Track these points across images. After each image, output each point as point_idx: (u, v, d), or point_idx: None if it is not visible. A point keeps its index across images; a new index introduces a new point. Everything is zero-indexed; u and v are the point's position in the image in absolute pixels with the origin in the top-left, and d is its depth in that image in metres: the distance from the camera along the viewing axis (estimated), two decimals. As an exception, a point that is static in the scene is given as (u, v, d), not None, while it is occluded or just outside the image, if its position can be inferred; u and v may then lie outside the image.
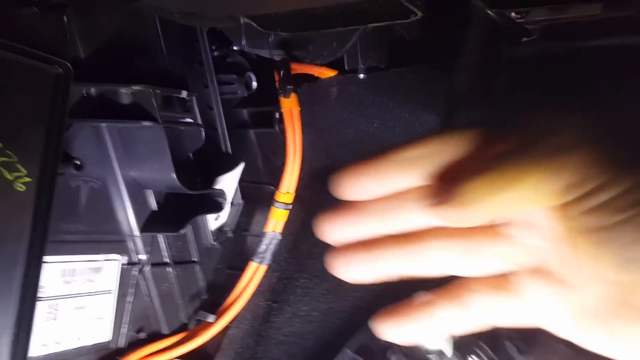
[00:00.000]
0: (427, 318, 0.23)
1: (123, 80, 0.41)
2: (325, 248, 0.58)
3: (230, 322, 0.53)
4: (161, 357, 0.49)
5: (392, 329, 0.24)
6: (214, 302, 0.53)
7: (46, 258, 0.37)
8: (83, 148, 0.42)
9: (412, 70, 0.55)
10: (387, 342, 0.44)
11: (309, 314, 0.53)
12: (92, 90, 0.40)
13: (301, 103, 0.56)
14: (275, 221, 0.49)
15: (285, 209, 0.47)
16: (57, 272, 0.42)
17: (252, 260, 0.50)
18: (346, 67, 0.55)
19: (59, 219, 0.42)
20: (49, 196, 0.36)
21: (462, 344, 0.40)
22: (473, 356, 0.40)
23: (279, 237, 0.49)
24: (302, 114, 0.55)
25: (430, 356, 0.40)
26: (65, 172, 0.41)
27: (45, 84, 0.36)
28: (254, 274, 0.51)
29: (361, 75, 0.56)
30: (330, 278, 0.57)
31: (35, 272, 0.36)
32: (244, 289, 0.51)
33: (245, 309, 0.53)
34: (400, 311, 0.24)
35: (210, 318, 0.53)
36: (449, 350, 0.39)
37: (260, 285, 0.53)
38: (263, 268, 0.51)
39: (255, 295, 0.53)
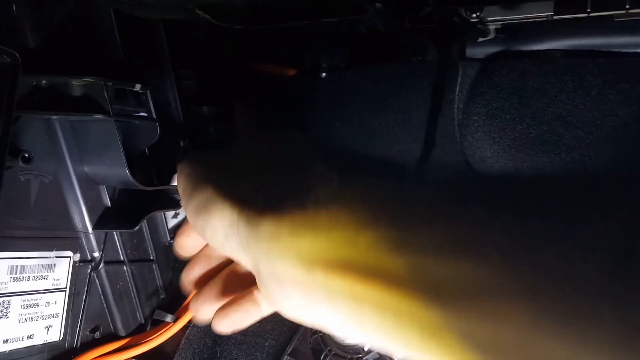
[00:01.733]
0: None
1: (75, 72, 0.40)
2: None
3: (188, 322, 0.52)
4: (117, 357, 0.48)
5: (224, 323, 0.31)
6: (172, 301, 0.53)
7: (-7, 254, 0.36)
8: (33, 141, 0.41)
9: (374, 69, 0.56)
10: (322, 346, 0.45)
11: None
12: (43, 81, 0.39)
13: (261, 105, 0.56)
14: None
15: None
16: (4, 268, 0.41)
17: None
18: (307, 66, 0.56)
19: (7, 214, 0.41)
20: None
21: None
22: None
23: None
24: (262, 115, 0.55)
25: (359, 354, 0.41)
26: (13, 165, 0.40)
27: (-8, 73, 0.36)
28: None
29: (323, 74, 0.56)
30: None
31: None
32: None
33: (203, 308, 0.52)
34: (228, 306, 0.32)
35: (169, 318, 0.52)
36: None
37: (219, 284, 0.53)
38: None
39: (214, 294, 0.53)
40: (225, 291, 0.33)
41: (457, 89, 0.52)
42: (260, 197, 0.27)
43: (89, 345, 0.47)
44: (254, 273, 0.27)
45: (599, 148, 0.48)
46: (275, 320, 0.52)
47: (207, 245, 0.35)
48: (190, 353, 0.52)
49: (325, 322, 0.23)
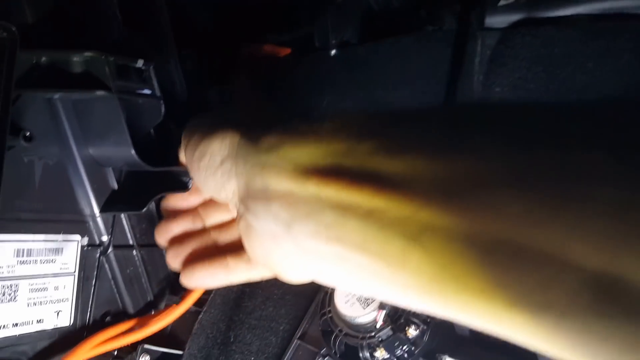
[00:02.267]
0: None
1: (74, 48, 0.39)
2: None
3: (202, 307, 0.51)
4: (128, 338, 0.46)
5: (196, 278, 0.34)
6: (183, 287, 0.51)
7: (-1, 236, 0.35)
8: (34, 122, 0.40)
9: (387, 43, 0.53)
10: (329, 326, 0.43)
11: (282, 297, 0.51)
12: (43, 58, 0.38)
13: (264, 85, 0.54)
14: None
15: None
16: (10, 251, 0.41)
17: None
18: (316, 44, 0.54)
19: (11, 195, 0.40)
20: (-4, 169, 0.34)
21: (397, 316, 0.40)
22: (412, 326, 0.39)
23: None
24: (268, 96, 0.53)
25: (369, 333, 0.39)
26: (15, 144, 0.39)
27: (-12, 49, 0.35)
28: None
29: (332, 52, 0.54)
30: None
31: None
32: None
33: (216, 293, 0.51)
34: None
35: (181, 304, 0.51)
36: (379, 322, 0.40)
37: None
38: None
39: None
40: (201, 250, 0.36)
41: (477, 60, 0.49)
42: (264, 116, 0.28)
43: (99, 329, 0.46)
44: (237, 208, 0.29)
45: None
46: (290, 305, 0.51)
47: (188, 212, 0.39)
48: (204, 338, 0.51)
49: (304, 246, 0.23)
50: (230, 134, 0.28)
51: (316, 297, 0.49)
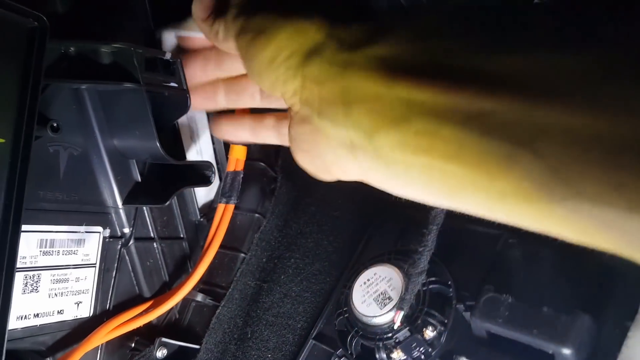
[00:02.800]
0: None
1: (103, 39, 0.39)
2: (317, 227, 0.56)
3: (220, 302, 0.51)
4: (144, 319, 0.46)
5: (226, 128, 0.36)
6: (201, 280, 0.51)
7: (23, 226, 0.35)
8: (61, 111, 0.40)
9: None
10: (345, 327, 0.43)
11: (300, 295, 0.51)
12: (71, 48, 0.38)
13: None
14: (236, 159, 0.47)
15: (243, 145, 0.46)
16: (34, 241, 0.41)
17: (219, 202, 0.49)
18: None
19: (36, 186, 0.40)
20: (24, 159, 0.34)
21: (414, 318, 0.39)
22: (429, 327, 0.39)
23: (241, 174, 0.47)
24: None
25: (386, 334, 0.39)
26: (42, 135, 0.39)
27: (19, 38, 0.34)
28: (223, 215, 0.49)
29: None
30: (323, 258, 0.55)
31: (13, 239, 0.34)
32: (216, 232, 0.49)
33: (234, 288, 0.51)
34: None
35: (199, 297, 0.51)
36: (397, 323, 0.39)
37: (250, 264, 0.51)
38: (231, 207, 0.49)
39: (244, 274, 0.51)
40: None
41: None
42: (346, 5, 0.24)
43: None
44: (298, 109, 0.25)
45: None
46: (307, 302, 0.50)
47: None
48: (221, 333, 0.51)
49: (387, 157, 0.21)
50: (306, 24, 0.24)
51: (332, 296, 0.49)
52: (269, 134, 0.37)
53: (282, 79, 0.25)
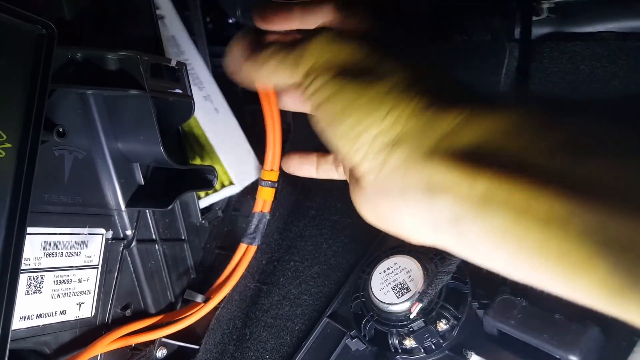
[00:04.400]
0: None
1: (109, 46, 0.39)
2: (316, 230, 0.57)
3: (219, 304, 0.52)
4: (147, 336, 0.47)
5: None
6: (202, 281, 0.52)
7: (27, 229, 0.35)
8: (67, 116, 0.41)
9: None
10: (361, 310, 0.43)
11: (298, 297, 0.52)
12: (78, 54, 0.38)
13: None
14: (263, 200, 0.47)
15: (271, 187, 0.46)
16: (38, 243, 0.41)
17: (242, 241, 0.49)
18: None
19: (41, 189, 0.41)
20: (30, 163, 0.34)
21: (429, 310, 0.40)
22: (442, 320, 0.40)
23: (268, 216, 0.48)
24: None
25: (401, 322, 0.40)
26: (48, 139, 0.39)
27: (28, 44, 0.35)
28: (244, 255, 0.50)
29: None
30: (322, 261, 0.56)
31: (18, 242, 0.34)
32: (234, 270, 0.50)
33: (234, 290, 0.52)
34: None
35: (199, 298, 0.52)
36: (414, 314, 0.40)
37: (250, 267, 0.52)
38: (253, 248, 0.49)
39: (244, 276, 0.52)
40: None
41: (504, 70, 0.50)
42: (442, 87, 0.23)
43: (119, 322, 0.47)
44: (373, 182, 0.25)
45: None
46: (305, 305, 0.51)
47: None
48: (220, 334, 0.51)
49: (469, 240, 0.21)
50: (401, 107, 0.23)
51: (349, 278, 0.49)
52: (331, 170, 0.38)
53: (361, 154, 0.25)
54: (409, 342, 0.41)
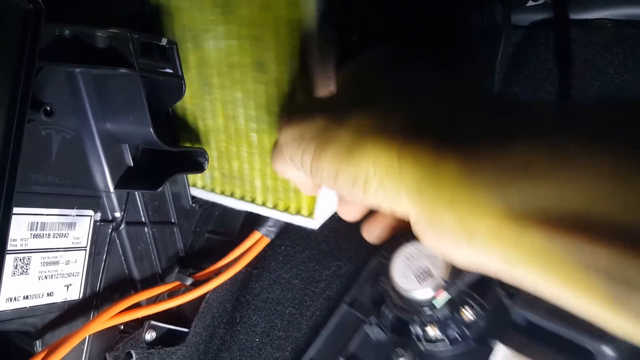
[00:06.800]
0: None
1: (99, 23, 0.38)
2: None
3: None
4: (136, 313, 0.47)
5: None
6: (192, 265, 0.52)
7: (14, 209, 0.35)
8: (55, 95, 0.40)
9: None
10: (380, 296, 0.42)
11: (289, 282, 0.51)
12: (66, 31, 0.37)
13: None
14: None
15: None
16: (25, 224, 0.40)
17: (258, 229, 0.48)
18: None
19: (28, 169, 0.40)
20: (16, 142, 0.34)
21: (455, 298, 0.39)
22: (466, 307, 0.39)
23: None
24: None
25: (424, 309, 0.39)
26: (35, 118, 0.38)
27: (14, 19, 0.34)
28: (255, 243, 0.49)
29: (354, 38, 0.53)
30: (313, 246, 0.56)
31: (4, 222, 0.33)
32: (243, 255, 0.49)
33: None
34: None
35: (188, 281, 0.52)
36: (440, 302, 0.38)
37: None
38: (266, 240, 0.49)
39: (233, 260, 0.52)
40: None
41: (499, 56, 0.49)
42: (430, 126, 0.21)
43: (108, 305, 0.47)
44: (414, 219, 0.23)
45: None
46: (296, 289, 0.51)
47: None
48: (210, 317, 0.51)
49: (520, 279, 0.20)
50: (384, 149, 0.22)
51: (367, 265, 0.48)
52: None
53: (379, 202, 0.24)
54: (433, 331, 0.39)
